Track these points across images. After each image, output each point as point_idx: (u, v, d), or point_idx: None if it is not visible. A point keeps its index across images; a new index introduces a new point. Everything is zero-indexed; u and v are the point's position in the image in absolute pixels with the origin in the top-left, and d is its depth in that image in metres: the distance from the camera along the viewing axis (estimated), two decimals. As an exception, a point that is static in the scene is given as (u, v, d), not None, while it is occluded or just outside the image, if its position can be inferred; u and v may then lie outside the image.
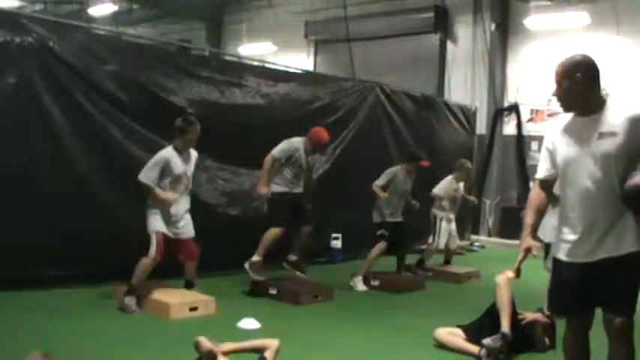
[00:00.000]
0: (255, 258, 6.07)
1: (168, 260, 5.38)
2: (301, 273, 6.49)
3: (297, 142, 6.26)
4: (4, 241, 5.25)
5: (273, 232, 6.10)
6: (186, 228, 5.51)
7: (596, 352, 3.15)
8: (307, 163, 6.34)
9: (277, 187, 6.20)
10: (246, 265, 6.05)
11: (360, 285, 6.79)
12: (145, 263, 5.24)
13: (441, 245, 7.74)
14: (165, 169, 5.31)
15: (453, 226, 7.86)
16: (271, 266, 6.36)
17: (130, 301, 5.19)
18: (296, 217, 6.27)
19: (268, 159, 6.14)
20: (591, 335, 3.13)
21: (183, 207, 5.48)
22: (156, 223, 5.31)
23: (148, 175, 5.26)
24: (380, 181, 6.93)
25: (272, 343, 3.52)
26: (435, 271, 7.74)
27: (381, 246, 6.90)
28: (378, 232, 6.95)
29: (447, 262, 8.10)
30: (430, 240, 7.79)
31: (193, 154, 5.60)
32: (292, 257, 6.45)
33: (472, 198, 8.46)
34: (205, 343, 3.51)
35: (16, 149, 5.42)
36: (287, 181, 6.22)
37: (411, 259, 7.85)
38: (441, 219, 7.67)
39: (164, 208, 5.33)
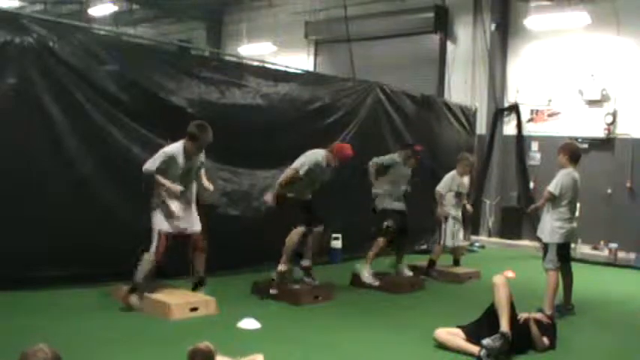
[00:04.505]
0: (282, 267, 6.01)
1: (169, 260, 5.38)
2: (313, 280, 6.32)
3: (320, 155, 6.15)
4: (4, 240, 5.24)
5: (298, 231, 6.02)
6: (192, 222, 5.53)
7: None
8: (323, 175, 6.27)
9: (288, 193, 6.13)
10: (274, 276, 6.00)
11: (367, 274, 6.78)
12: (146, 260, 5.26)
13: (448, 243, 7.69)
14: (169, 165, 5.32)
15: (457, 226, 7.79)
16: (271, 263, 6.32)
17: (134, 299, 5.20)
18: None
19: (290, 173, 6.08)
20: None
21: (187, 202, 5.50)
22: (161, 224, 5.33)
23: (151, 164, 5.28)
24: (378, 159, 7.01)
25: (257, 358, 3.60)
26: (437, 271, 7.71)
27: (386, 239, 6.90)
28: (385, 224, 6.91)
29: (456, 262, 8.03)
30: (438, 241, 7.76)
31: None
32: (305, 263, 6.33)
33: (468, 206, 8.25)
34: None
35: (16, 149, 5.41)
36: (297, 190, 6.14)
37: (412, 259, 7.85)
38: (446, 218, 7.61)
39: (170, 202, 5.34)
